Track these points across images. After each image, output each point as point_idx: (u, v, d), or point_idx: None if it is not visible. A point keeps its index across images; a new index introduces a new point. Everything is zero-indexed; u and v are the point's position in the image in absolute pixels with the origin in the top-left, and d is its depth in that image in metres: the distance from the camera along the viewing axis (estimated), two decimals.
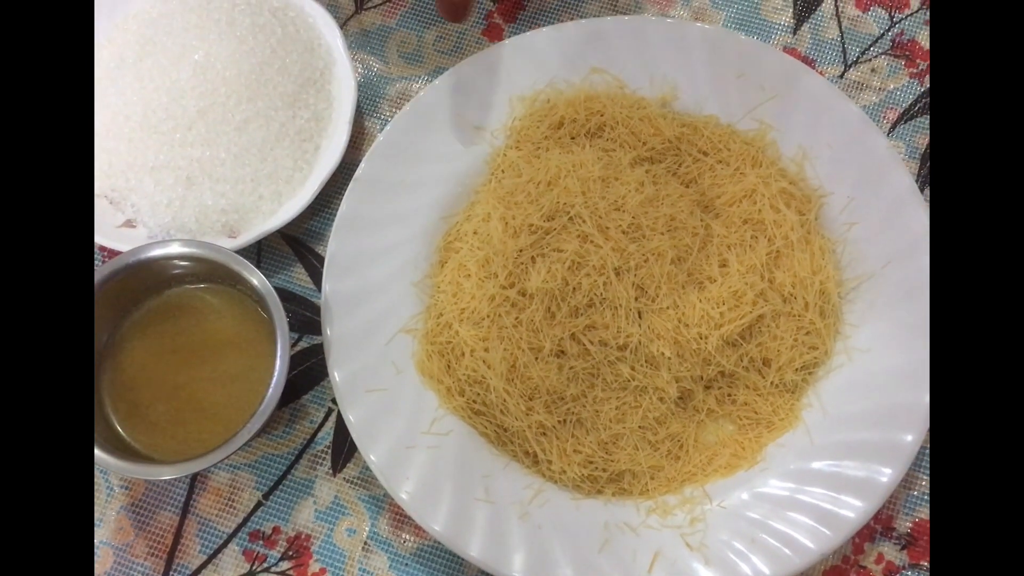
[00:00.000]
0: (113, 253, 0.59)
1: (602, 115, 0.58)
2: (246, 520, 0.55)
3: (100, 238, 0.56)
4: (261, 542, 0.55)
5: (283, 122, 0.58)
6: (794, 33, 0.64)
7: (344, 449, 0.56)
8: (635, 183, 0.55)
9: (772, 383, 0.54)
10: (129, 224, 0.58)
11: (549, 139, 0.58)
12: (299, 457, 0.56)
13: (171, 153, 0.57)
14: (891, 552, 0.54)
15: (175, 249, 0.51)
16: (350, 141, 0.59)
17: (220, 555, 0.54)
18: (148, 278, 0.53)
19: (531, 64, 0.59)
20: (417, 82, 0.64)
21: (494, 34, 0.65)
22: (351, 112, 0.59)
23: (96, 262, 0.60)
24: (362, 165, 0.56)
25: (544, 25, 0.62)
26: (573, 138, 0.58)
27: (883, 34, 0.64)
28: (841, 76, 0.63)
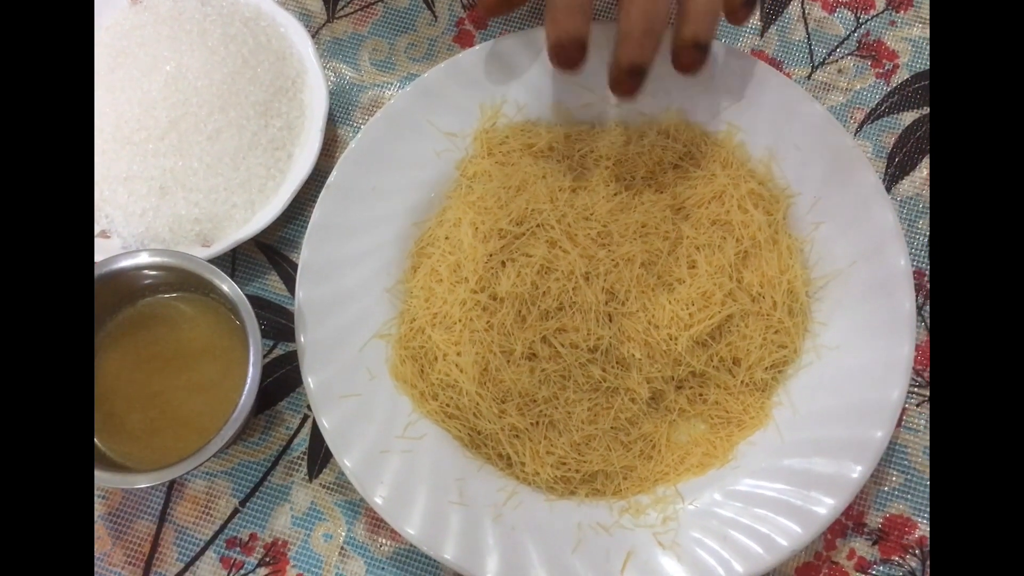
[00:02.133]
0: None
1: (585, 148, 0.59)
2: (223, 527, 0.55)
3: None
4: (238, 549, 0.55)
5: (255, 131, 0.59)
6: (761, 35, 0.65)
7: (320, 455, 0.56)
8: (606, 192, 0.56)
9: (742, 382, 0.54)
10: (103, 235, 0.59)
11: (522, 151, 0.59)
12: (275, 463, 0.56)
13: (144, 163, 0.57)
14: (863, 547, 0.54)
15: (144, 259, 0.51)
16: (322, 148, 0.59)
17: (197, 562, 0.55)
18: (120, 289, 0.53)
19: (501, 70, 0.60)
20: (389, 89, 0.65)
21: (465, 40, 0.66)
22: (323, 120, 0.59)
23: None
24: (334, 172, 0.57)
25: (514, 31, 0.62)
26: (552, 149, 0.59)
27: (849, 35, 0.65)
28: (808, 77, 0.64)
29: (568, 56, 0.53)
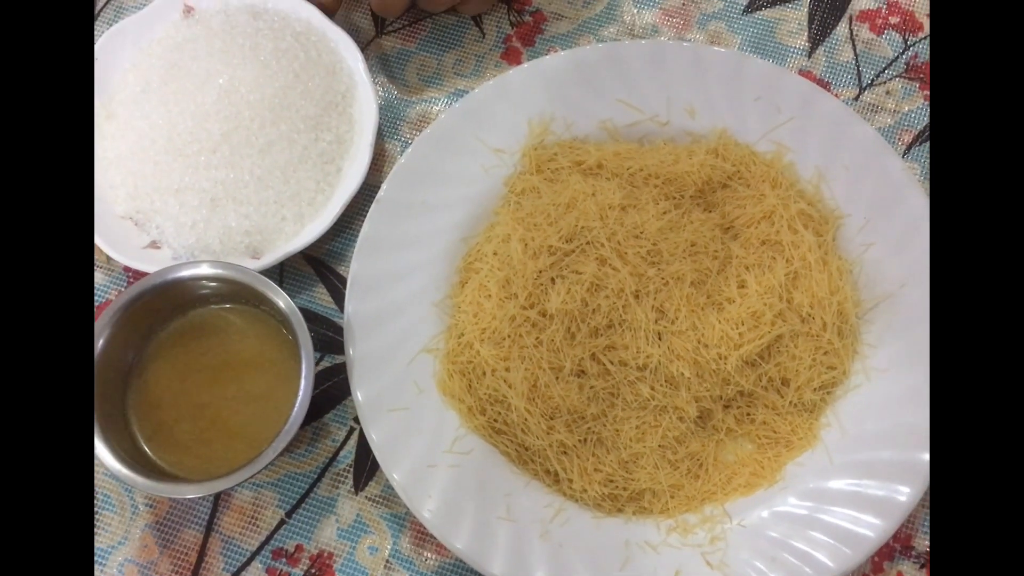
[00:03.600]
0: (139, 274, 0.60)
1: (635, 166, 0.59)
2: (269, 538, 0.56)
3: (125, 259, 0.57)
4: (284, 560, 0.55)
5: (306, 145, 0.59)
6: (809, 56, 0.65)
7: (366, 467, 0.57)
8: (656, 211, 0.56)
9: (791, 402, 0.54)
10: (154, 245, 0.59)
11: (571, 169, 0.59)
12: (321, 475, 0.57)
13: (196, 175, 0.58)
14: (910, 571, 0.54)
15: (203, 270, 0.52)
16: (371, 163, 0.59)
17: (244, 573, 0.55)
18: (174, 298, 0.54)
19: (549, 88, 0.60)
20: (437, 105, 0.65)
21: (512, 57, 0.66)
22: (372, 134, 0.60)
23: (122, 283, 0.61)
24: (384, 187, 0.57)
25: (562, 49, 0.63)
26: (600, 167, 0.59)
27: (897, 57, 0.65)
28: (856, 99, 0.64)
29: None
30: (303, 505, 0.56)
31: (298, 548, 0.55)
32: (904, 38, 0.65)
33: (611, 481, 0.53)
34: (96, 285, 0.61)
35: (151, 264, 0.56)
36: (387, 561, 0.55)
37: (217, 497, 0.56)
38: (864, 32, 0.65)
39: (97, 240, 0.56)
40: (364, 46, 0.67)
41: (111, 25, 0.64)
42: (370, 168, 0.59)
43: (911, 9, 0.66)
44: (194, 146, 0.58)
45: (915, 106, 0.63)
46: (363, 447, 0.57)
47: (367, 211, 0.57)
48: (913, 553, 0.54)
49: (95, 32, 0.67)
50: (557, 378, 0.53)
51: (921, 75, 0.64)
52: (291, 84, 0.60)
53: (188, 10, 0.63)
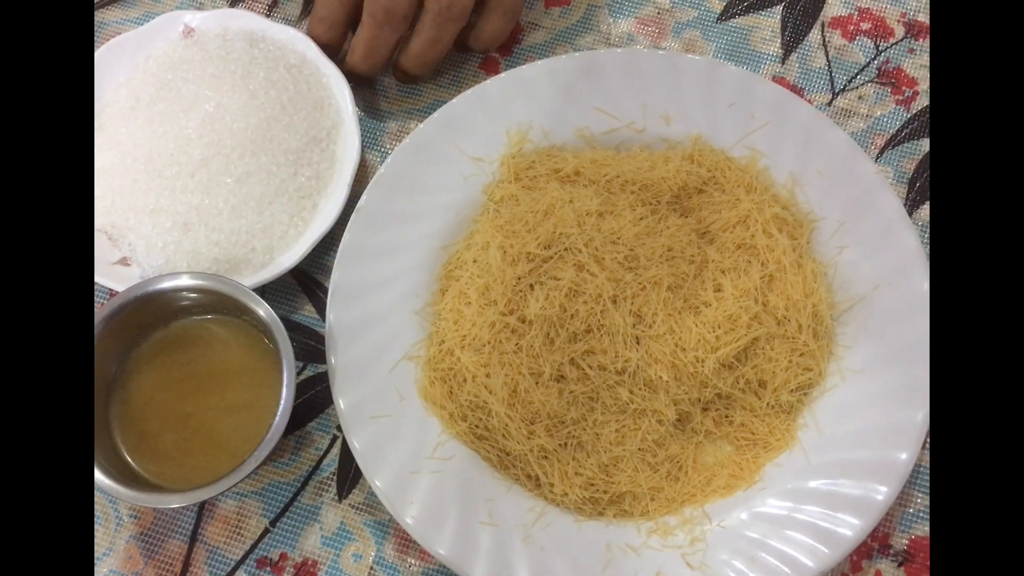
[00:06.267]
0: (105, 290, 0.61)
1: (612, 173, 0.59)
2: (254, 547, 0.56)
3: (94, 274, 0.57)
4: (269, 568, 0.55)
5: (284, 178, 0.59)
6: (782, 63, 0.66)
7: (349, 475, 0.57)
8: (632, 217, 0.56)
9: (768, 404, 0.55)
10: (124, 262, 0.59)
11: (548, 176, 0.60)
12: (305, 484, 0.57)
13: (172, 198, 0.58)
14: (888, 569, 0.54)
15: (185, 281, 0.52)
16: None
17: None
18: (156, 310, 0.54)
19: (526, 96, 0.61)
20: (416, 115, 0.66)
21: (490, 67, 0.67)
22: (352, 173, 0.59)
23: (103, 296, 0.61)
24: (364, 196, 0.58)
25: (539, 58, 0.63)
26: (578, 174, 0.60)
27: (869, 62, 0.66)
28: (829, 104, 0.65)
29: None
30: (287, 514, 0.56)
31: (282, 556, 0.56)
32: (875, 44, 0.66)
33: (592, 485, 0.53)
34: None
35: (118, 281, 0.56)
36: (371, 568, 0.55)
37: (201, 507, 0.57)
38: (836, 38, 0.66)
39: None
40: (342, 58, 0.67)
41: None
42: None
43: (882, 15, 0.67)
44: (173, 168, 0.58)
45: (887, 111, 0.64)
46: (346, 455, 0.57)
47: (348, 221, 0.57)
48: (891, 551, 0.55)
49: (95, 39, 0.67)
50: (537, 383, 0.54)
51: (892, 80, 0.65)
52: (277, 116, 0.60)
53: (188, 31, 0.64)
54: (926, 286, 0.54)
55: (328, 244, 0.61)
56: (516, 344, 0.54)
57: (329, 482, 0.57)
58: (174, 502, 0.50)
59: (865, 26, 0.67)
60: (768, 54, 0.66)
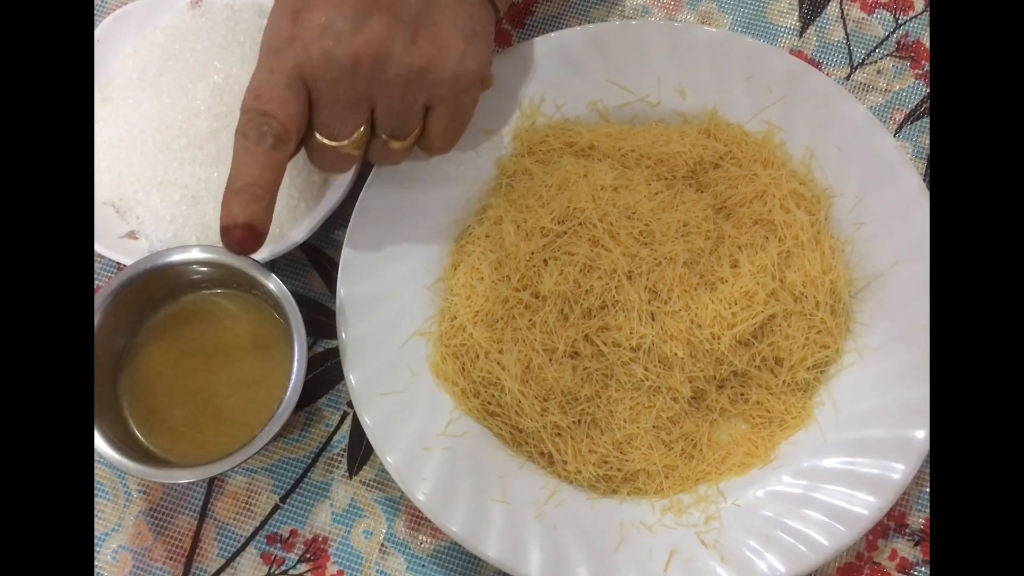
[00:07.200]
0: (113, 263, 0.60)
1: (626, 147, 0.59)
2: (264, 523, 0.55)
3: (101, 247, 0.56)
4: (279, 545, 0.55)
5: None
6: (800, 36, 0.65)
7: (360, 452, 0.56)
8: (648, 191, 0.56)
9: (784, 382, 0.54)
10: (132, 236, 0.58)
11: (562, 150, 0.59)
12: (315, 460, 0.57)
13: (180, 171, 0.57)
14: (905, 548, 0.54)
15: (195, 255, 0.52)
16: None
17: (238, 558, 0.55)
18: (166, 284, 0.53)
19: (539, 69, 0.60)
20: None
21: (502, 40, 0.66)
22: None
23: (111, 270, 0.61)
24: (374, 171, 0.57)
25: (551, 31, 0.62)
26: (592, 148, 0.59)
27: (888, 36, 0.65)
28: (847, 78, 0.64)
29: (237, 241, 0.48)
30: (297, 490, 0.56)
31: (292, 533, 0.55)
32: (895, 17, 0.65)
33: (605, 462, 0.53)
34: None
35: (126, 255, 0.55)
36: (382, 545, 0.55)
37: (211, 483, 0.56)
38: (855, 11, 0.65)
39: None
40: None
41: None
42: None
43: None
44: (181, 140, 0.57)
45: (906, 85, 0.63)
46: (357, 431, 0.57)
47: (358, 196, 0.57)
48: (907, 530, 0.54)
49: (99, 15, 0.66)
50: (550, 360, 0.53)
51: (912, 54, 0.64)
52: None
53: (196, 1, 0.63)
54: None
55: (338, 218, 0.60)
56: (530, 320, 0.53)
57: (340, 458, 0.57)
58: (183, 477, 0.50)
59: None
60: (785, 27, 0.65)
